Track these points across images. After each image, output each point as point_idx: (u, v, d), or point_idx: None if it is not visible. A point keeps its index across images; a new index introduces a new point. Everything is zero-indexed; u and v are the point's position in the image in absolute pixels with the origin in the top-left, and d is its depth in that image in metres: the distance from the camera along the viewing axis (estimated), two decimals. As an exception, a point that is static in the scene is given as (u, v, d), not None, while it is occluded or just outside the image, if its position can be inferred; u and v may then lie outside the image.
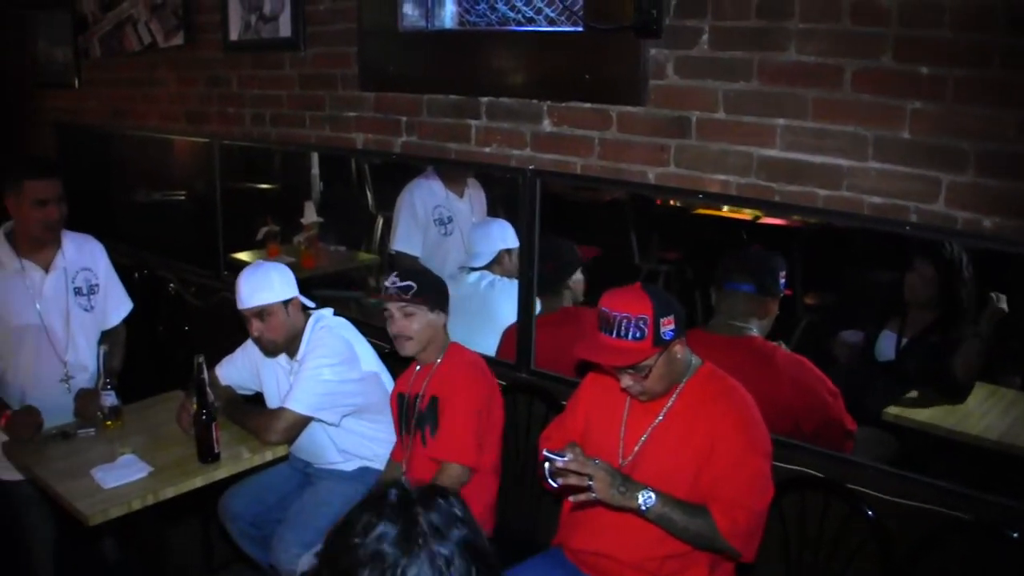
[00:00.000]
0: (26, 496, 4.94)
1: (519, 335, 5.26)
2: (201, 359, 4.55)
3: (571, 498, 3.64)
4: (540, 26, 4.90)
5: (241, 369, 5.23)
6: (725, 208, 8.27)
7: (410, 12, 5.41)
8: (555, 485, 3.64)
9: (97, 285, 5.21)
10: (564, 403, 4.47)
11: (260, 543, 5.01)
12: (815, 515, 4.10)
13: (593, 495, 3.50)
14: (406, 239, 6.53)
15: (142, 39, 7.60)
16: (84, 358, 5.15)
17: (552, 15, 4.85)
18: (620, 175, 4.62)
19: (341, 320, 5.08)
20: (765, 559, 3.85)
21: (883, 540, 3.91)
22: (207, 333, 7.41)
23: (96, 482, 4.29)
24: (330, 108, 6.03)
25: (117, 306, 5.39)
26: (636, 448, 3.83)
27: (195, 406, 4.48)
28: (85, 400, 4.95)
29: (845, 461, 4.19)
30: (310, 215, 8.07)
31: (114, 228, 8.09)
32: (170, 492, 4.34)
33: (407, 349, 4.62)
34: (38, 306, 4.93)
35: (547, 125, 4.86)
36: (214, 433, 4.49)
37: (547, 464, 3.60)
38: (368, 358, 5.02)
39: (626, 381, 3.69)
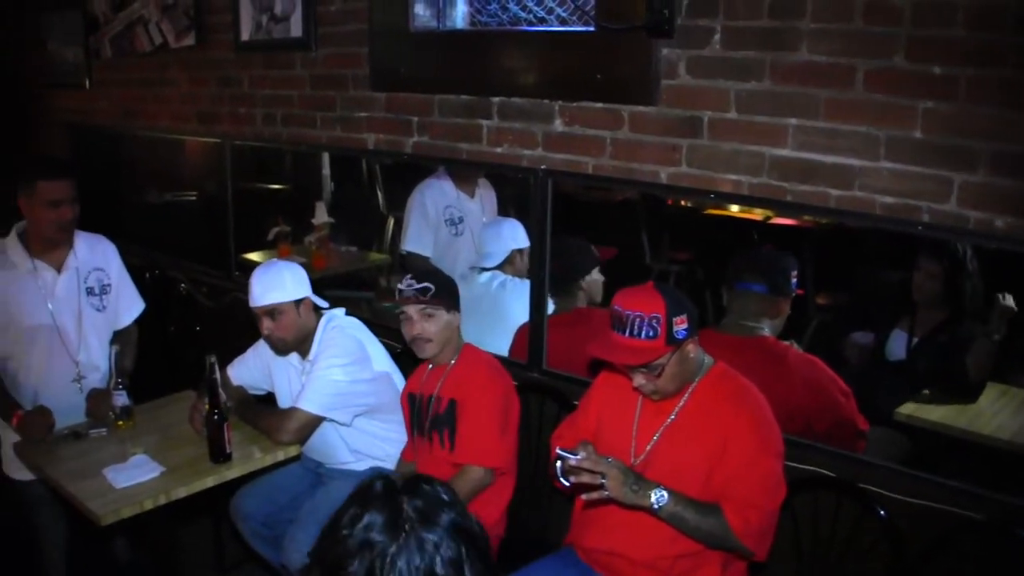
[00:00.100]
0: (38, 496, 4.96)
1: (531, 335, 5.25)
2: (213, 359, 4.55)
3: (583, 496, 3.64)
4: (552, 26, 4.89)
5: (253, 369, 5.23)
6: (736, 208, 8.27)
7: (421, 12, 5.41)
8: (567, 484, 3.64)
9: (109, 285, 5.22)
10: (576, 403, 4.47)
11: (272, 543, 5.00)
12: (827, 515, 4.10)
13: (606, 493, 3.51)
14: (417, 239, 6.54)
15: (153, 39, 7.60)
16: (96, 358, 5.16)
17: (564, 15, 4.83)
18: (632, 175, 4.62)
19: (353, 320, 5.07)
20: (777, 558, 3.86)
21: (895, 540, 3.91)
22: (218, 333, 7.43)
23: (108, 482, 4.29)
24: (341, 108, 6.03)
25: (129, 306, 5.40)
26: (648, 447, 3.83)
27: (207, 406, 4.49)
28: (97, 400, 4.95)
29: (857, 461, 4.18)
30: (321, 215, 8.09)
31: (125, 228, 8.07)
32: (182, 492, 4.35)
33: (427, 351, 4.62)
34: (50, 306, 4.94)
35: (559, 125, 4.85)
36: (226, 433, 4.50)
37: (559, 463, 3.60)
38: (380, 358, 5.02)
39: (638, 380, 3.69)
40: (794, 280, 4.58)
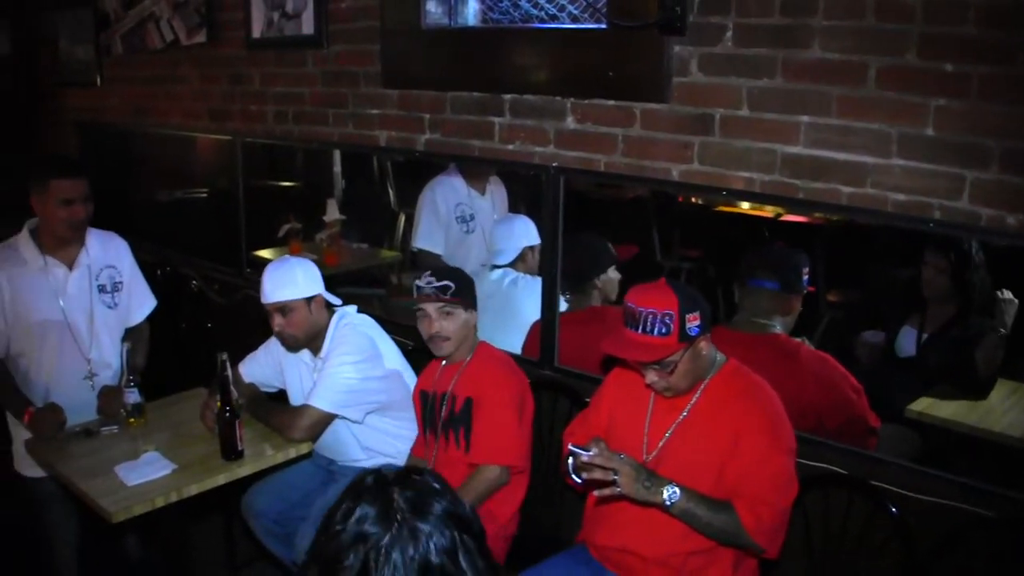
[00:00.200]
0: (49, 493, 4.96)
1: (543, 332, 5.25)
2: (224, 357, 4.55)
3: (596, 493, 3.63)
4: (563, 23, 4.90)
5: (264, 366, 5.24)
6: (746, 205, 8.28)
7: (433, 9, 5.41)
8: (578, 481, 3.64)
9: (121, 283, 5.22)
10: (588, 400, 4.47)
11: (283, 540, 5.00)
12: (838, 512, 4.10)
13: (618, 490, 3.51)
14: (428, 236, 6.55)
15: (164, 37, 7.61)
16: (108, 355, 5.17)
17: (575, 12, 4.83)
18: (643, 172, 4.62)
19: (365, 318, 5.08)
20: (788, 556, 3.86)
21: (906, 537, 3.91)
22: (230, 330, 7.43)
23: (120, 479, 4.31)
24: (353, 105, 6.04)
25: (141, 303, 5.40)
26: (660, 444, 3.83)
27: (219, 403, 4.49)
28: (108, 397, 4.96)
29: (869, 458, 4.18)
30: (332, 212, 8.10)
31: (137, 225, 8.07)
32: (193, 489, 4.36)
33: (444, 349, 4.62)
34: (61, 303, 4.94)
35: (570, 122, 4.85)
36: (238, 430, 4.51)
37: (571, 459, 3.61)
38: (391, 356, 5.02)
39: (651, 377, 3.69)
40: (806, 277, 4.58)
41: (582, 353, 4.97)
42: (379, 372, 4.89)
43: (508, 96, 5.09)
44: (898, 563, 3.94)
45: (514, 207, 6.91)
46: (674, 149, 4.46)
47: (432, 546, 1.86)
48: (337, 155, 8.94)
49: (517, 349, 5.38)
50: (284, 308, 4.74)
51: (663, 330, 3.54)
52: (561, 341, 5.20)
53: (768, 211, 8.29)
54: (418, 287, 4.57)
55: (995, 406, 4.81)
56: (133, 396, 4.84)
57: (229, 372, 4.54)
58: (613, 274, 5.32)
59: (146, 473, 4.35)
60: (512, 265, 5.84)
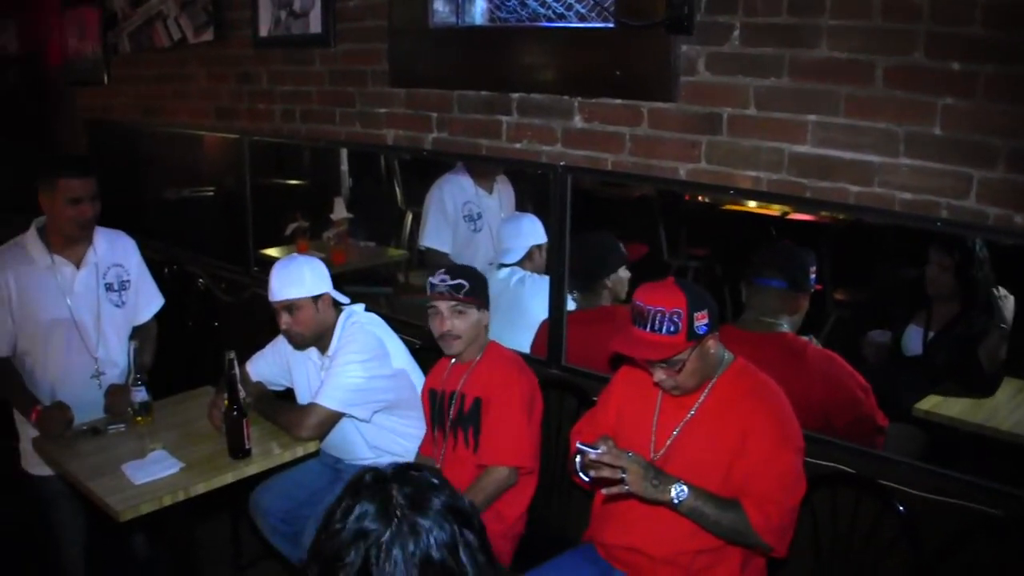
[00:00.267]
0: (56, 491, 4.97)
1: (550, 331, 5.25)
2: (232, 355, 4.56)
3: (604, 491, 3.63)
4: (571, 22, 4.90)
5: (272, 365, 5.25)
6: (753, 204, 8.27)
7: (440, 8, 5.42)
8: (586, 479, 3.64)
9: (128, 281, 5.23)
10: (595, 399, 4.48)
11: (290, 539, 5.01)
12: (846, 511, 4.11)
13: (626, 488, 3.51)
14: (435, 235, 6.56)
15: (172, 35, 7.62)
16: (115, 354, 5.18)
17: (583, 11, 4.84)
18: (651, 171, 4.62)
19: (372, 316, 5.08)
20: (796, 555, 3.85)
21: (914, 536, 3.91)
22: (237, 329, 7.44)
23: (127, 478, 4.31)
24: (360, 104, 6.04)
25: (148, 302, 5.41)
26: (668, 443, 3.84)
27: (226, 402, 4.49)
28: (116, 396, 4.97)
29: (876, 457, 4.18)
30: (339, 211, 8.11)
31: (144, 224, 8.10)
32: (201, 488, 4.36)
33: (454, 348, 4.62)
34: (69, 302, 4.95)
35: (578, 121, 4.86)
36: (245, 429, 4.51)
37: (579, 457, 3.61)
38: (399, 355, 5.02)
39: (659, 375, 3.70)
40: (813, 276, 4.59)
41: (592, 352, 4.95)
42: (386, 371, 4.89)
43: (515, 95, 5.10)
44: (906, 562, 3.94)
45: (521, 206, 6.91)
46: (681, 148, 4.47)
47: (432, 541, 1.86)
48: (344, 154, 8.93)
49: (525, 348, 5.37)
50: (291, 306, 4.74)
51: (671, 328, 3.54)
52: (571, 340, 5.20)
53: (775, 210, 8.28)
54: (432, 284, 4.57)
55: (1002, 404, 4.81)
56: (140, 394, 4.85)
57: (236, 370, 4.54)
58: (624, 273, 5.31)
59: (153, 472, 4.35)
60: (519, 264, 5.84)
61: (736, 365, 3.83)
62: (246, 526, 5.47)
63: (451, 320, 4.55)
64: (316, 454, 4.97)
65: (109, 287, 5.12)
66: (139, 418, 4.86)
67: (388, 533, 1.85)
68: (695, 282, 6.88)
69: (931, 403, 4.80)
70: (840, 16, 3.84)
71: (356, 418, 4.85)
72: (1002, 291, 4.77)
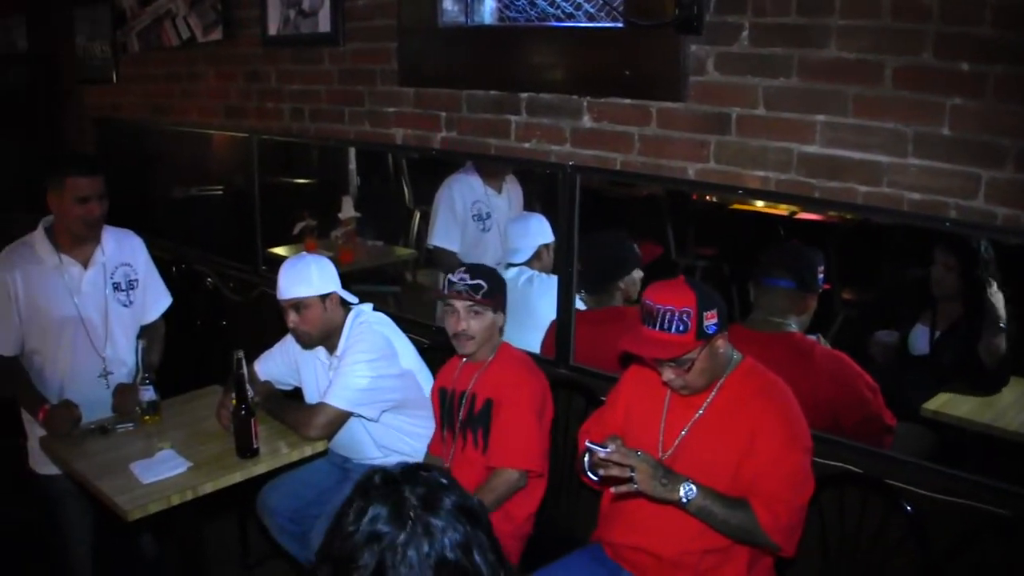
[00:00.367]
0: (64, 491, 4.96)
1: (558, 330, 5.26)
2: (240, 354, 4.56)
3: (613, 489, 3.64)
4: (580, 22, 4.91)
5: (280, 364, 5.25)
6: (761, 204, 8.27)
7: (449, 8, 5.43)
8: (594, 478, 3.66)
9: (136, 280, 5.22)
10: (603, 398, 4.48)
11: (298, 538, 5.01)
12: (854, 510, 4.11)
13: (635, 487, 3.51)
14: (444, 234, 6.56)
15: (181, 34, 7.63)
16: (122, 353, 5.17)
17: (592, 11, 4.85)
18: (660, 171, 4.63)
19: (381, 316, 5.08)
20: (803, 555, 3.85)
21: (921, 536, 3.91)
22: (245, 328, 7.46)
23: (135, 477, 4.31)
24: (369, 103, 6.05)
25: (156, 301, 5.41)
26: (676, 442, 3.84)
27: (234, 401, 4.50)
28: (123, 395, 4.98)
29: (883, 457, 4.18)
30: (347, 210, 8.11)
31: (153, 222, 8.10)
32: (209, 487, 4.36)
33: (467, 348, 4.61)
34: (76, 301, 4.94)
35: (587, 121, 4.86)
36: (253, 428, 4.51)
37: (588, 456, 3.62)
38: (407, 355, 5.02)
39: (668, 374, 3.70)
40: (821, 276, 4.59)
41: (603, 353, 4.93)
42: (394, 370, 4.89)
43: (524, 95, 5.10)
44: (913, 562, 3.94)
45: (529, 206, 6.91)
46: (690, 148, 4.47)
47: (447, 542, 1.87)
48: (352, 153, 8.94)
49: (533, 347, 5.37)
50: (299, 305, 4.74)
51: (681, 327, 3.55)
52: (582, 340, 5.20)
53: (783, 209, 8.27)
54: (450, 282, 4.57)
55: (1011, 404, 4.80)
56: (148, 394, 4.86)
57: (245, 370, 4.55)
58: (637, 275, 5.30)
59: (161, 471, 4.35)
60: (528, 263, 5.85)
61: (745, 365, 3.84)
62: (254, 525, 5.48)
63: (467, 320, 4.54)
64: (324, 453, 4.97)
65: (117, 287, 5.12)
66: (147, 417, 4.87)
67: (403, 535, 1.86)
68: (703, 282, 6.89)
69: (939, 403, 4.80)
70: (849, 16, 3.84)
71: (364, 418, 4.85)
72: (994, 287, 4.78)
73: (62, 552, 5.18)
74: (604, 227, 5.52)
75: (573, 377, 5.15)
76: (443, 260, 6.55)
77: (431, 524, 1.88)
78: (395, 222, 9.28)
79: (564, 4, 4.95)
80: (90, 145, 9.49)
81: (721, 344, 3.69)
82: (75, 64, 9.44)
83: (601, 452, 3.53)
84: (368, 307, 5.04)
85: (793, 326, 4.52)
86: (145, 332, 5.30)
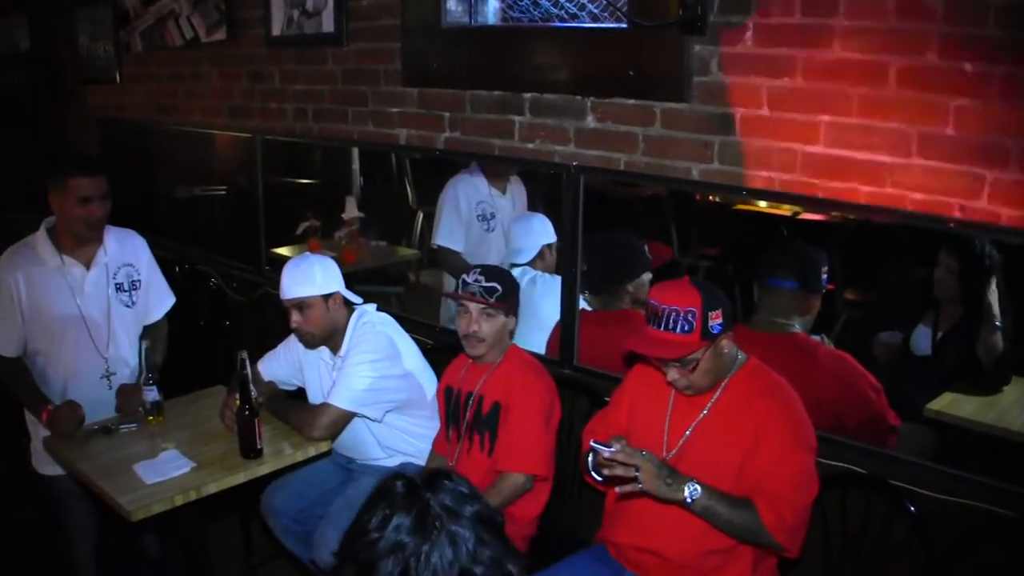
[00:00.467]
0: (67, 491, 4.97)
1: (562, 331, 5.25)
2: (244, 355, 4.56)
3: (617, 489, 3.64)
4: (583, 22, 4.90)
5: (284, 364, 5.25)
6: (764, 204, 8.27)
7: (453, 8, 5.42)
8: (599, 478, 3.67)
9: (139, 281, 5.23)
10: (607, 399, 4.48)
11: (302, 539, 5.02)
12: (857, 511, 4.11)
13: (639, 486, 3.51)
14: (448, 234, 6.57)
15: (184, 34, 7.63)
16: (125, 353, 5.18)
17: (596, 11, 4.84)
18: (664, 171, 4.62)
19: (384, 316, 5.08)
20: (807, 555, 3.85)
21: (925, 536, 3.90)
22: (249, 328, 7.45)
23: (138, 477, 4.32)
24: (373, 104, 6.04)
25: (159, 301, 5.41)
26: (680, 442, 3.84)
27: (238, 401, 4.50)
28: (127, 395, 4.99)
29: (887, 457, 4.17)
30: (351, 210, 8.12)
31: (156, 223, 8.11)
32: (212, 488, 4.37)
33: (477, 350, 4.62)
34: (78, 302, 4.95)
35: (591, 121, 4.86)
36: (257, 429, 4.52)
37: (591, 456, 3.63)
38: (410, 356, 5.02)
39: (672, 374, 3.70)
40: (824, 276, 4.59)
41: (609, 356, 4.92)
42: (398, 371, 4.89)
43: (528, 95, 5.10)
44: (916, 562, 3.94)
45: (533, 206, 6.92)
46: (694, 148, 4.46)
47: (469, 550, 1.89)
48: (356, 153, 8.95)
49: (536, 347, 5.35)
50: (301, 305, 4.75)
51: (686, 327, 3.55)
52: (589, 342, 5.19)
53: (785, 210, 8.27)
54: (464, 282, 4.58)
55: (1013, 405, 4.81)
56: (152, 394, 4.87)
57: (248, 370, 4.54)
58: (646, 278, 5.29)
59: (165, 471, 4.36)
60: (531, 263, 5.85)
61: (749, 365, 3.84)
62: (257, 526, 5.49)
63: (479, 322, 4.55)
64: (328, 454, 4.99)
65: (119, 287, 5.12)
66: (150, 417, 4.88)
67: (428, 544, 1.89)
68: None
69: (942, 403, 4.80)
70: (853, 17, 3.83)
71: (368, 418, 4.85)
72: (995, 289, 4.78)
73: (66, 553, 5.18)
74: (608, 227, 5.52)
75: (577, 377, 5.14)
76: (447, 260, 6.56)
77: (455, 533, 1.91)
78: (398, 222, 9.29)
79: (568, 4, 4.95)
80: (93, 145, 9.49)
81: (726, 344, 3.69)
82: (78, 64, 9.46)
83: (605, 452, 3.53)
84: (372, 307, 5.05)
85: (797, 327, 4.52)
86: (148, 332, 5.31)
